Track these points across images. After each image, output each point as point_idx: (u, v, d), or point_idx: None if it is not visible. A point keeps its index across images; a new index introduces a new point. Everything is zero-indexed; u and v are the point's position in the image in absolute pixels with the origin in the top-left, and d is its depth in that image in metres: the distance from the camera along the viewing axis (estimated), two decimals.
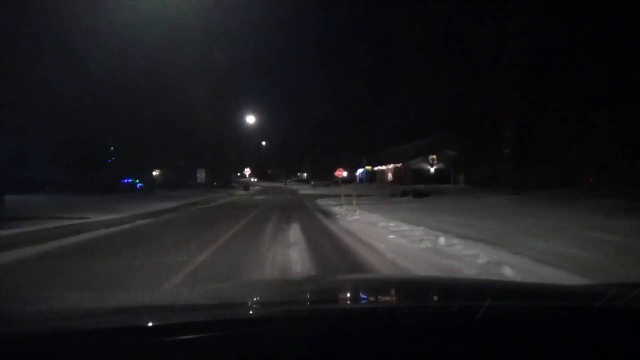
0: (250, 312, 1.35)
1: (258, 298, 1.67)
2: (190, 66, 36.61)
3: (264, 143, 76.39)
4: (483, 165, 40.31)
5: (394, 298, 1.70)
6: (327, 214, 16.01)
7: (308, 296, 1.74)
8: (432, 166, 47.69)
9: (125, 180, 36.22)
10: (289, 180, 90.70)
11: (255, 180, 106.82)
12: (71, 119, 28.21)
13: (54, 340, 0.98)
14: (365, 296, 1.76)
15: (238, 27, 51.44)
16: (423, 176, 47.66)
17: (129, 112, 31.84)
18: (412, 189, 31.59)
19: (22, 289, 4.70)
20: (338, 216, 14.39)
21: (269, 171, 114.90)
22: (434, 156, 47.41)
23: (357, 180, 65.17)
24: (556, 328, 1.08)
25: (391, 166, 52.31)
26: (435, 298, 1.66)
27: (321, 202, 24.29)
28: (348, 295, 1.81)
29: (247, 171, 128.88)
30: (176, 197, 26.86)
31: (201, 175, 36.53)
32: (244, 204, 23.31)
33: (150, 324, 1.07)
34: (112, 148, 36.68)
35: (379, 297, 1.76)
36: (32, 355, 0.93)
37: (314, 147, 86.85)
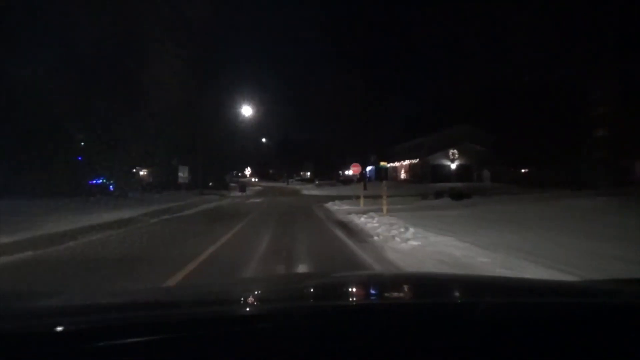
0: (250, 308, 1.34)
1: (258, 295, 1.67)
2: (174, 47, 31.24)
3: (264, 140, 70.76)
4: (516, 160, 34.70)
5: (393, 295, 1.68)
6: (350, 230, 10.37)
7: (309, 293, 1.70)
8: (452, 162, 42.03)
9: (95, 181, 30.67)
10: (291, 180, 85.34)
11: (256, 180, 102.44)
12: (29, 107, 23.13)
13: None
14: (365, 293, 1.72)
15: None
16: (443, 173, 42.10)
17: (101, 98, 26.42)
18: (447, 188, 25.93)
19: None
20: (375, 238, 8.55)
21: (270, 171, 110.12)
22: (455, 150, 41.75)
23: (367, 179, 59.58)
24: (555, 325, 1.05)
25: (405, 162, 46.63)
26: (437, 295, 1.58)
27: (333, 206, 18.63)
28: (348, 292, 1.74)
29: (248, 171, 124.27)
30: (150, 202, 21.38)
31: (184, 174, 30.30)
32: (230, 212, 17.72)
33: (149, 321, 1.08)
34: (82, 143, 31.22)
35: (379, 293, 1.71)
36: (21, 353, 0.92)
37: (317, 145, 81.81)
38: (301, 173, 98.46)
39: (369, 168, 57.61)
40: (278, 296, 1.66)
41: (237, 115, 47.62)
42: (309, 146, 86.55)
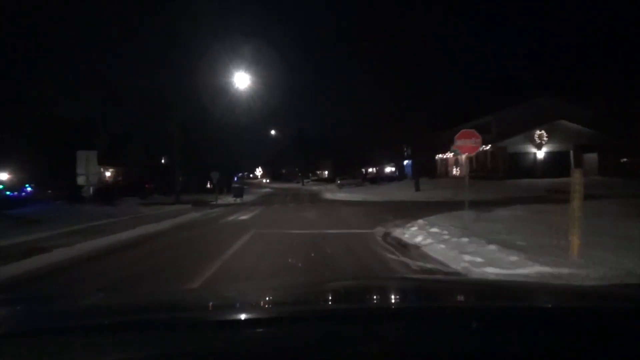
0: (259, 312, 1.33)
1: (267, 299, 1.65)
2: None
3: (273, 132, 59.04)
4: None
5: (400, 299, 1.64)
6: None
7: (317, 297, 1.67)
8: (539, 147, 29.30)
9: None
10: (306, 180, 73.39)
11: (267, 181, 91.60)
12: None
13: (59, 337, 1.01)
14: (372, 297, 1.71)
15: None
16: (525, 164, 29.42)
17: None
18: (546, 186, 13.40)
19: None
20: None
21: (283, 170, 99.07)
22: (543, 131, 29.00)
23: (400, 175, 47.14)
24: (567, 329, 1.04)
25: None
26: (446, 299, 1.59)
27: (426, 247, 6.49)
28: (356, 296, 1.70)
29: (259, 171, 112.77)
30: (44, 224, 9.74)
31: (87, 170, 15.17)
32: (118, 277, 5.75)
33: (161, 324, 1.10)
34: None
35: (385, 298, 1.70)
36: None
37: (335, 141, 70.02)
38: (317, 172, 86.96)
39: (405, 162, 45.17)
40: (286, 300, 1.62)
41: (235, 103, 35.64)
42: (326, 142, 75.15)
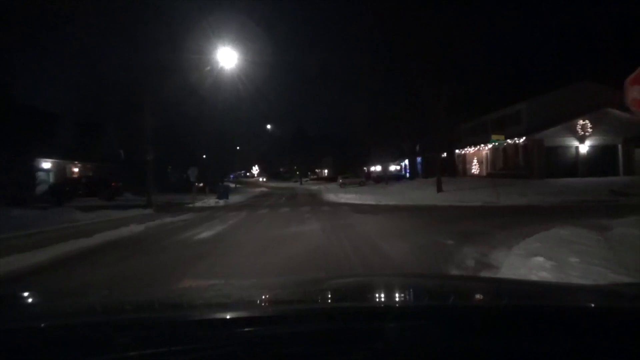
0: (261, 310, 1.32)
1: (269, 296, 1.61)
2: None
3: (269, 127, 54.36)
4: None
5: (406, 297, 1.60)
6: None
7: (321, 295, 1.64)
8: (581, 140, 24.66)
9: None
10: (305, 179, 69.07)
11: (264, 180, 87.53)
12: None
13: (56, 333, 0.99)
14: (376, 295, 1.67)
15: None
16: (565, 160, 24.84)
17: None
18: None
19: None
20: None
21: (281, 169, 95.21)
22: (586, 122, 24.35)
23: (405, 175, 42.66)
24: (571, 328, 1.01)
25: (487, 147, 29.24)
26: (450, 297, 1.50)
27: None
28: (361, 294, 1.66)
29: (256, 169, 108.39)
30: None
31: None
32: None
33: (162, 322, 1.09)
34: None
35: (391, 296, 1.63)
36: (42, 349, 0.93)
37: (335, 138, 66.15)
38: (316, 171, 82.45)
39: (417, 159, 40.63)
40: (290, 298, 1.59)
41: (227, 92, 30.84)
42: (327, 139, 71.06)
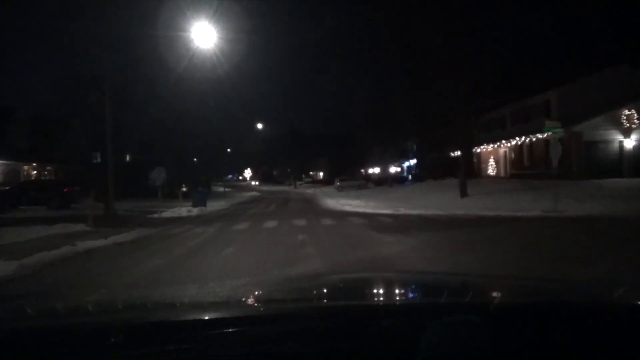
0: (256, 309, 1.31)
1: (265, 295, 1.61)
2: None
3: (260, 126, 50.30)
4: None
5: (402, 295, 1.63)
6: None
7: (316, 293, 1.65)
8: (627, 134, 20.89)
9: None
10: (299, 182, 65.42)
11: (256, 183, 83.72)
12: None
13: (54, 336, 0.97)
14: (375, 293, 1.67)
15: None
16: (608, 157, 21.09)
17: None
18: None
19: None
20: None
21: (274, 172, 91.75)
22: (632, 112, 20.58)
23: (408, 178, 38.95)
24: (568, 324, 1.02)
25: (511, 144, 25.30)
26: (446, 294, 1.46)
27: None
28: (357, 292, 1.63)
29: (248, 173, 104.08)
30: None
31: None
32: None
33: (157, 321, 1.07)
34: None
35: (388, 293, 1.66)
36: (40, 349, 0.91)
37: (330, 138, 62.41)
38: (311, 173, 78.96)
39: (412, 162, 36.87)
40: (286, 297, 1.56)
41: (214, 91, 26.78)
42: (321, 140, 67.19)
